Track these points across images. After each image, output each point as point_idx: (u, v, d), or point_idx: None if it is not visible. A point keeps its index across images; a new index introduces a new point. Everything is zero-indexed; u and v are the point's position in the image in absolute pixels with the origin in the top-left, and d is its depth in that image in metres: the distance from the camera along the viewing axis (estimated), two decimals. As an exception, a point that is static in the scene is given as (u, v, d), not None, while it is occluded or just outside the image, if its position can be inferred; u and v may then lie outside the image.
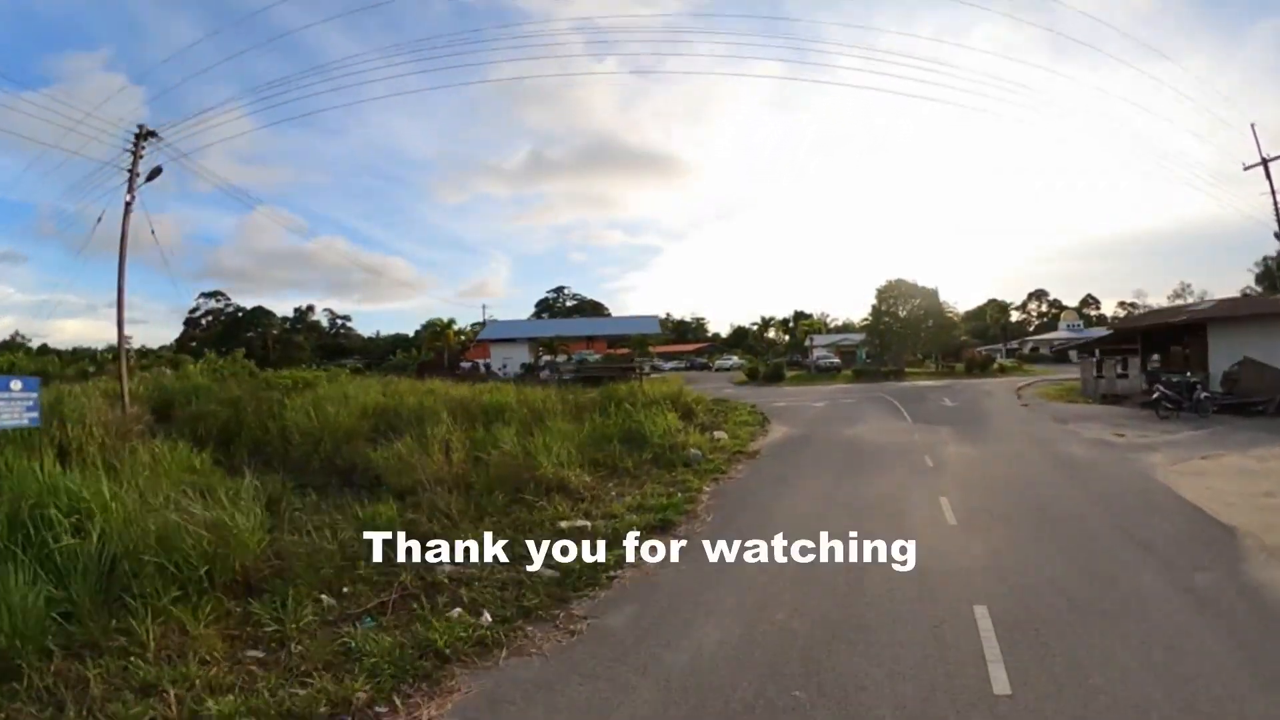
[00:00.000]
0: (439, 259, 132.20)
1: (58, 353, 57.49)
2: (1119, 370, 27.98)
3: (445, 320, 53.27)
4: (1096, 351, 30.06)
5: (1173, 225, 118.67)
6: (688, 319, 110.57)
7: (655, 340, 50.14)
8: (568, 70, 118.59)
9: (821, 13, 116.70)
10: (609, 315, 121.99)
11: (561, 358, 47.91)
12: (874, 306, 47.04)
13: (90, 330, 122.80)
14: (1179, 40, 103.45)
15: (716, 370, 62.05)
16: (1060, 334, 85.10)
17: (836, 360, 47.40)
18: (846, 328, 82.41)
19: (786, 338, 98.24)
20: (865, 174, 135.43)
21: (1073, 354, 78.34)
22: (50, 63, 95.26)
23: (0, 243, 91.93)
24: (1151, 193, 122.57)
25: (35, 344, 59.55)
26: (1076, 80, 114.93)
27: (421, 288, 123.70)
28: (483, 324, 54.88)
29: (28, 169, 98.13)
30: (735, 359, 66.38)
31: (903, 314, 46.08)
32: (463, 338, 53.85)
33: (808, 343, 66.41)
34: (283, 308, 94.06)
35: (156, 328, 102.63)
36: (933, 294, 47.21)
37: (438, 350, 53.37)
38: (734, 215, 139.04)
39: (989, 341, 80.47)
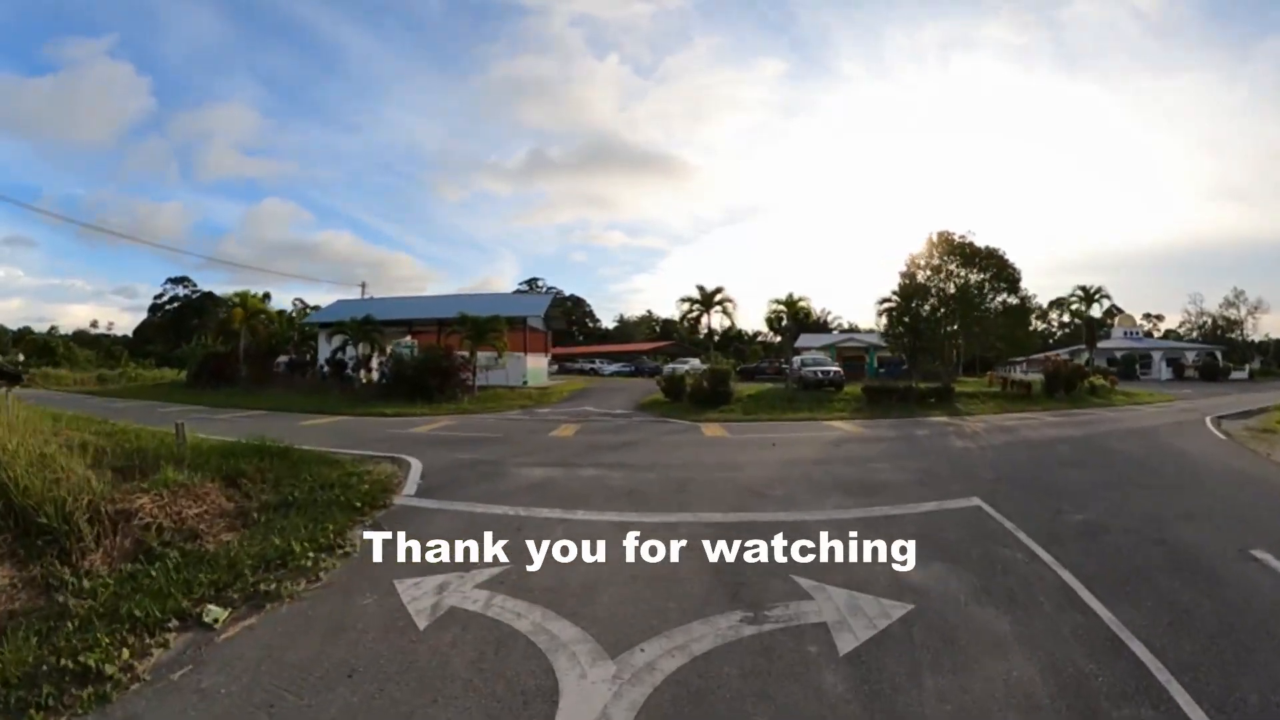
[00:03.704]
0: (445, 255, 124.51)
1: None
2: None
3: (242, 294, 32.40)
4: None
5: (1183, 238, 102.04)
6: (676, 318, 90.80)
7: (510, 325, 28.37)
8: (568, 68, 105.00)
9: (826, 11, 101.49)
10: (589, 310, 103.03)
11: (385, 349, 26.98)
12: (904, 276, 25.32)
13: (96, 314, 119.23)
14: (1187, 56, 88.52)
15: (666, 375, 40.56)
16: (1119, 342, 64.79)
17: (835, 368, 25.69)
18: (852, 330, 60.69)
19: (778, 337, 76.48)
20: (876, 181, 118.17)
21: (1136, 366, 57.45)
22: (56, 49, 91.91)
23: (11, 227, 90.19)
24: (1157, 206, 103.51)
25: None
26: (1082, 95, 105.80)
27: (428, 282, 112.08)
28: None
29: (37, 154, 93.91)
30: (695, 362, 45.31)
31: (953, 289, 24.39)
32: (264, 317, 32.94)
33: (798, 342, 44.85)
34: (281, 299, 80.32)
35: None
36: (1000, 257, 25.39)
37: (229, 334, 32.62)
38: (742, 221, 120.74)
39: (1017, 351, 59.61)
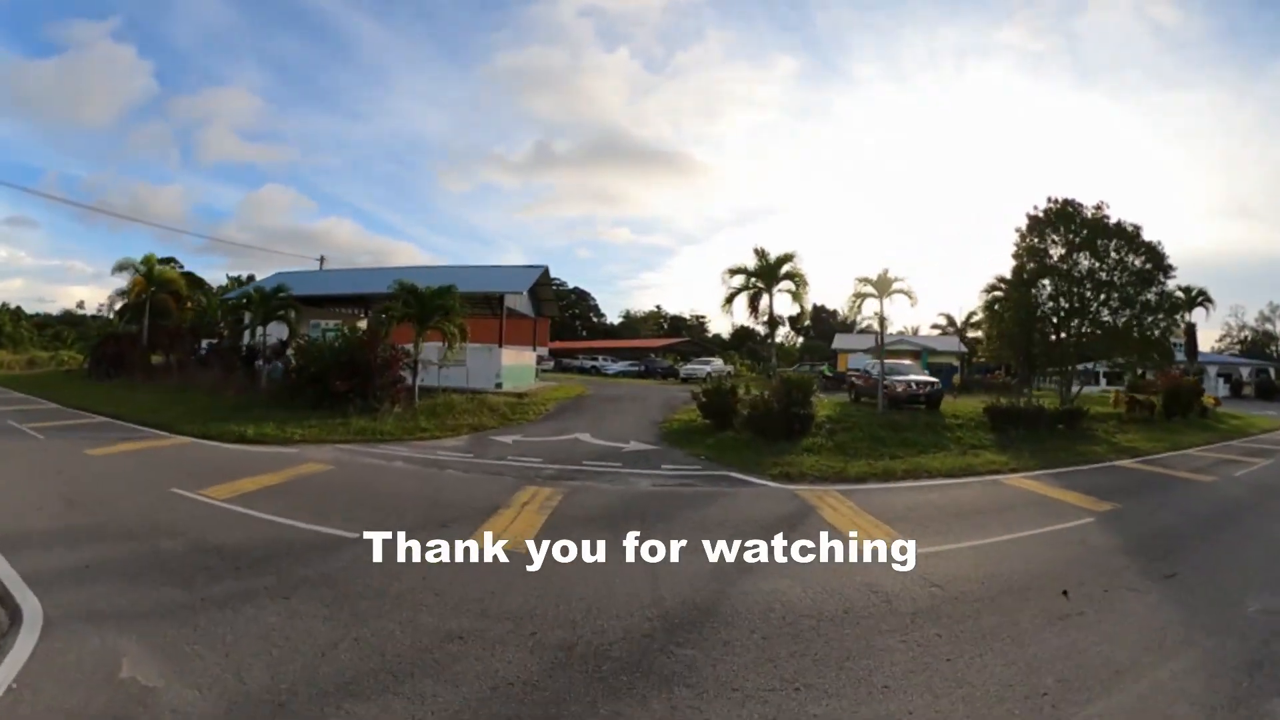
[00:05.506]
0: (449, 246, 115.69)
1: None
2: None
3: (147, 259, 24.64)
4: None
5: (1191, 252, 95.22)
6: (685, 315, 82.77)
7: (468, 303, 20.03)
8: (576, 60, 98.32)
9: (841, 11, 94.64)
10: (593, 304, 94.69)
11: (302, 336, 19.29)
12: (1018, 257, 17.58)
13: (97, 296, 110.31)
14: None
15: (684, 379, 32.69)
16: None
17: (933, 380, 17.94)
18: (869, 334, 52.83)
19: (798, 339, 68.25)
20: (889, 186, 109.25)
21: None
22: (60, 30, 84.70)
23: (13, 208, 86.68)
24: (1166, 220, 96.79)
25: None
26: (1094, 105, 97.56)
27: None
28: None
29: (39, 136, 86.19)
30: (718, 362, 37.57)
31: (1106, 263, 16.80)
32: (178, 289, 25.27)
33: (835, 344, 36.97)
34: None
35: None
36: (1135, 236, 17.63)
37: (136, 311, 24.93)
38: (752, 222, 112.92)
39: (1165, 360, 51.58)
